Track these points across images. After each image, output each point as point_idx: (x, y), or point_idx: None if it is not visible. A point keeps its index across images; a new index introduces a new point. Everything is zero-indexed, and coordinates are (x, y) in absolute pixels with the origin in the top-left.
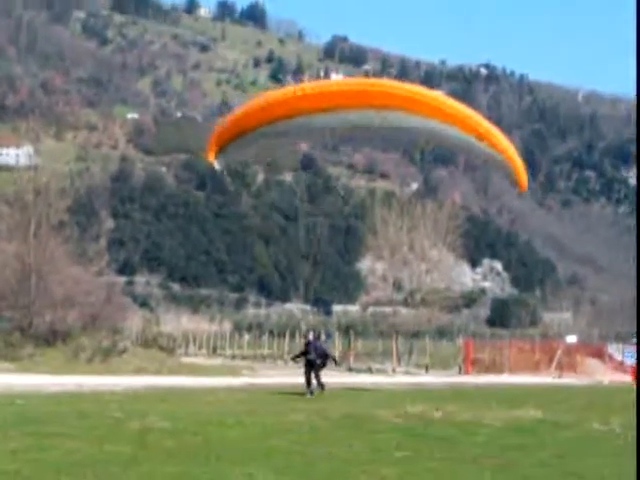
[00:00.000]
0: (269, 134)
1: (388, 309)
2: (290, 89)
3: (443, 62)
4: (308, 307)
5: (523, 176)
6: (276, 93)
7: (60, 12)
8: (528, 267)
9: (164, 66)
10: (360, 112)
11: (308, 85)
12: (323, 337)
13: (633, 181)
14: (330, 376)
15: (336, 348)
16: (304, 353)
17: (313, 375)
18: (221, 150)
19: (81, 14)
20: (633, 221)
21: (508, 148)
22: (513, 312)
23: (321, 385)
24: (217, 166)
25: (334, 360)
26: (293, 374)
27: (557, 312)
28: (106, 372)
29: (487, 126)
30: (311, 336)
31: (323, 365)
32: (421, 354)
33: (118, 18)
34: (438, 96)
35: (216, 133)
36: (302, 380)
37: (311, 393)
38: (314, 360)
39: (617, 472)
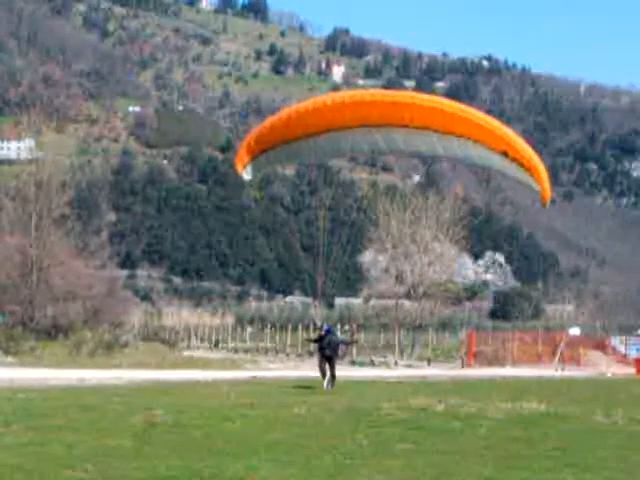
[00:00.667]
0: (301, 151)
1: (390, 302)
2: (320, 101)
3: (445, 54)
4: (310, 300)
5: (547, 192)
6: (309, 105)
7: (61, 5)
8: (530, 260)
9: (165, 59)
10: (389, 133)
11: (334, 99)
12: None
13: (635, 173)
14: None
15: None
16: (319, 343)
17: (328, 367)
18: (251, 161)
19: (82, 7)
20: (636, 213)
21: (537, 164)
22: (516, 305)
23: (333, 378)
24: (246, 177)
25: (350, 343)
26: (295, 367)
27: (560, 304)
28: (108, 366)
29: (514, 140)
30: (325, 326)
31: (336, 355)
32: (423, 347)
33: (119, 11)
34: (464, 109)
35: (245, 144)
36: (307, 373)
37: (324, 377)
38: (331, 355)
39: (621, 465)
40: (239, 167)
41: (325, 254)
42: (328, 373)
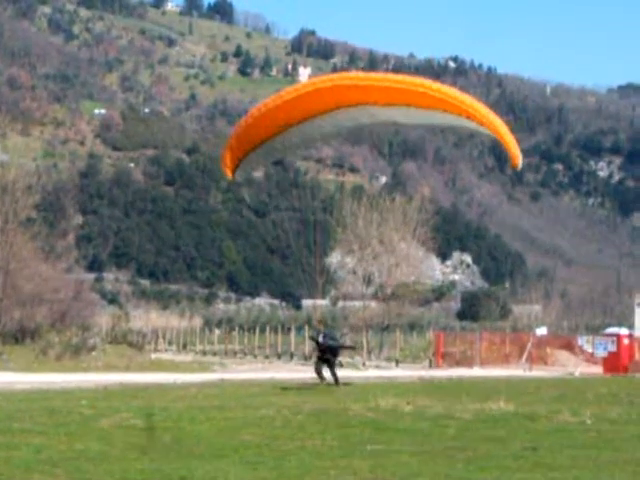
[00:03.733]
0: (285, 144)
1: (358, 303)
2: (289, 91)
3: (411, 55)
4: (277, 302)
5: (516, 152)
6: (279, 98)
7: (26, 7)
8: (498, 260)
9: (131, 61)
10: (355, 112)
11: (301, 87)
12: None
13: (602, 173)
14: (300, 371)
15: (307, 343)
16: (318, 346)
17: (327, 368)
18: (238, 163)
19: (47, 9)
20: (602, 213)
21: (500, 127)
22: (483, 305)
23: (336, 379)
24: (237, 177)
25: (350, 347)
26: (263, 369)
27: (527, 304)
28: (76, 369)
29: (475, 105)
30: (322, 332)
31: (335, 357)
32: (391, 348)
33: (84, 13)
34: (423, 82)
35: (229, 147)
36: (276, 375)
37: (322, 380)
38: (328, 358)
39: (589, 464)
40: (227, 172)
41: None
42: (327, 375)
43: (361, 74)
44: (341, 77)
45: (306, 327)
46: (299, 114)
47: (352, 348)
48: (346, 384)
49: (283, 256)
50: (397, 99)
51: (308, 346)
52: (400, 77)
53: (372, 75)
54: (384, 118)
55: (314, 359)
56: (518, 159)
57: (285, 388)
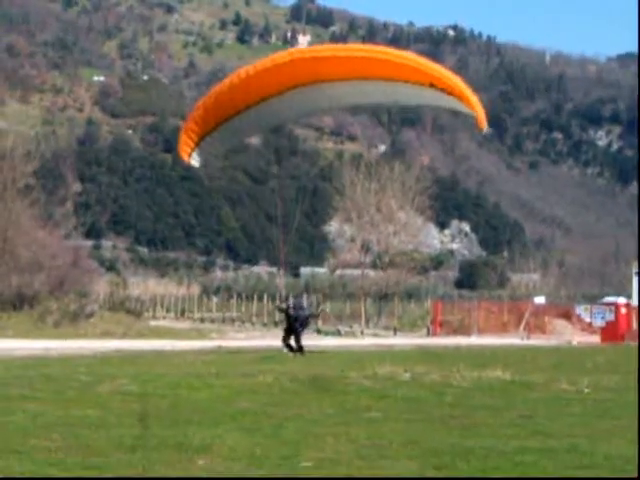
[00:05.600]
0: (244, 124)
1: (356, 271)
2: (249, 70)
3: (411, 24)
4: (275, 270)
5: (482, 116)
6: (235, 78)
7: None
8: (496, 229)
9: (130, 28)
10: (311, 93)
11: (261, 66)
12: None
13: (601, 142)
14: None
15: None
16: (286, 315)
17: (293, 338)
18: (196, 146)
19: None
20: (601, 182)
21: (465, 90)
22: (481, 274)
23: (300, 348)
24: (195, 164)
25: (315, 315)
26: (261, 336)
27: (525, 273)
28: (73, 336)
29: (438, 70)
30: (291, 302)
31: (302, 329)
32: (389, 316)
33: None
34: (383, 51)
35: (186, 129)
36: (273, 342)
37: (292, 350)
38: (297, 328)
39: (586, 432)
40: (184, 155)
41: (288, 224)
42: (293, 344)
43: (319, 47)
44: (299, 50)
45: (305, 296)
46: (255, 94)
47: (317, 315)
48: (311, 352)
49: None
50: (356, 71)
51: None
52: (360, 46)
53: (331, 46)
54: (343, 100)
55: (282, 330)
56: (484, 122)
57: (267, 357)
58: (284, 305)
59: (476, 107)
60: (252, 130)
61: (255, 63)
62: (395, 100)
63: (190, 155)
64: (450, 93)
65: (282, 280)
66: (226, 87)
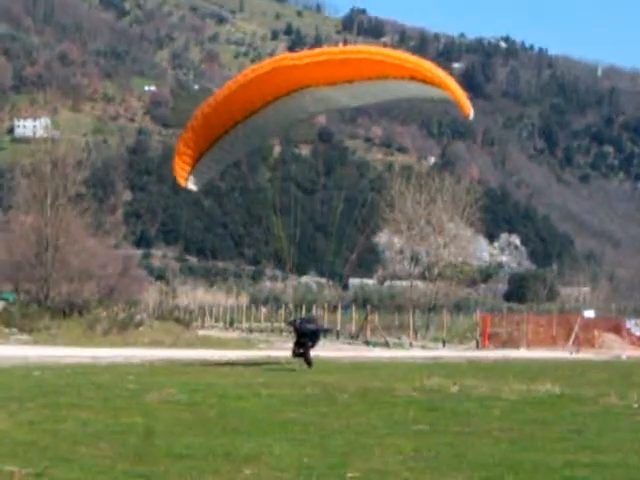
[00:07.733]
0: (235, 145)
1: (405, 283)
2: (231, 85)
3: (462, 35)
4: (324, 280)
5: (465, 102)
6: (219, 95)
7: None
8: (546, 242)
9: (182, 38)
10: (297, 101)
11: (240, 77)
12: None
13: None
14: (346, 350)
15: (353, 322)
16: (294, 329)
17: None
18: (191, 170)
19: None
20: None
21: (446, 79)
22: (530, 287)
23: (308, 363)
24: (192, 187)
25: (327, 330)
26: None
27: (575, 287)
28: (122, 344)
29: (418, 62)
30: (303, 316)
31: (313, 345)
32: (438, 328)
33: None
34: (363, 49)
35: (178, 153)
36: (320, 353)
37: (300, 356)
38: (306, 342)
39: (635, 447)
40: (181, 180)
41: (338, 235)
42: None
43: (299, 53)
44: (281, 58)
45: (353, 307)
46: (241, 108)
47: (329, 330)
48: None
49: (330, 235)
50: (339, 74)
51: (355, 325)
52: (338, 48)
53: (310, 52)
54: (328, 104)
55: (292, 345)
56: (469, 109)
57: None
58: (292, 319)
59: (457, 94)
60: (245, 146)
61: (235, 77)
62: (383, 98)
63: (187, 179)
64: (431, 83)
65: (330, 291)
66: (211, 106)
